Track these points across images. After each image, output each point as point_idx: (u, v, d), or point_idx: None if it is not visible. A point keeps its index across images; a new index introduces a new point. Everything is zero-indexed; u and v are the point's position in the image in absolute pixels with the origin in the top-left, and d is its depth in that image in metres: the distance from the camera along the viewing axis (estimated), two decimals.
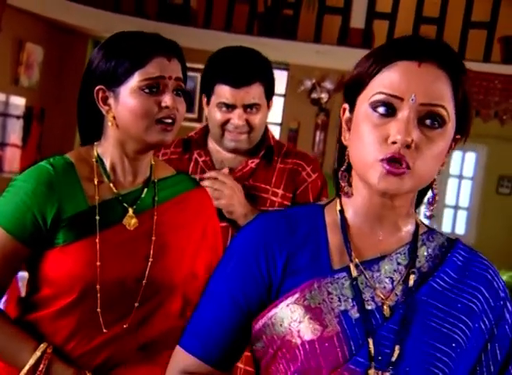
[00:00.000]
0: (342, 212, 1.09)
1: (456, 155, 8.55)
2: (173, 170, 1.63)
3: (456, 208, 8.58)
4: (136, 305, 1.46)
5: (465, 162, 8.53)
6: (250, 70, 1.97)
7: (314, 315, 1.01)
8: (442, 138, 1.00)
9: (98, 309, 1.42)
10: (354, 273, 1.04)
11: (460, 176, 8.57)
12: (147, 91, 1.42)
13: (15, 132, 5.28)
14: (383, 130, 0.99)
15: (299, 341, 1.01)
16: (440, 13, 5.38)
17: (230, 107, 1.97)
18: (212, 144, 2.08)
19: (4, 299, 1.52)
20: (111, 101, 1.45)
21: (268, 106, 2.05)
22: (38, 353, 1.40)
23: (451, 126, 1.01)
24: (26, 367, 1.39)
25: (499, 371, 1.06)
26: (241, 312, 1.06)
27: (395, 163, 0.97)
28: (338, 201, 1.10)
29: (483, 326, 1.05)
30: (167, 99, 1.43)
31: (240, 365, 1.98)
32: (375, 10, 5.50)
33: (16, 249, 1.40)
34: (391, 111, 0.99)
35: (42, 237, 1.41)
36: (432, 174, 1.02)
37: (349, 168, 1.07)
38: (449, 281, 1.06)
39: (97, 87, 1.45)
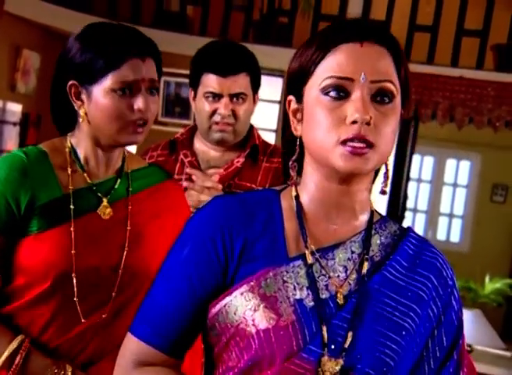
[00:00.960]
0: (297, 197, 1.09)
1: (451, 163, 8.60)
2: (145, 162, 1.66)
3: (450, 216, 8.62)
4: (114, 294, 1.47)
5: (459, 171, 8.58)
6: (237, 60, 2.02)
7: (270, 303, 1.02)
8: (394, 112, 1.03)
9: (75, 298, 1.42)
10: (310, 259, 1.05)
11: (455, 185, 8.62)
12: (120, 92, 1.43)
13: (11, 138, 5.29)
14: (339, 112, 1.01)
15: (253, 330, 1.01)
16: (434, 21, 5.43)
17: (217, 96, 2.00)
18: (198, 145, 2.11)
19: None
20: (83, 97, 1.46)
21: (254, 100, 2.09)
22: (15, 344, 1.40)
23: (398, 100, 1.04)
24: (2, 358, 1.38)
25: (444, 356, 1.08)
26: (196, 297, 1.05)
27: (358, 143, 0.99)
28: (294, 187, 1.11)
29: (431, 314, 1.08)
30: (139, 102, 1.44)
31: None
32: (370, 18, 5.54)
33: None
34: (343, 94, 1.01)
35: (16, 224, 1.41)
36: (390, 149, 1.04)
37: (298, 158, 1.08)
38: (400, 270, 1.08)
39: (71, 83, 1.45)
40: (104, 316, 1.47)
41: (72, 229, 1.43)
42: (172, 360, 1.07)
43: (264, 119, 5.44)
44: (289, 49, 5.34)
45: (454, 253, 7.97)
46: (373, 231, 1.10)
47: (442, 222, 8.58)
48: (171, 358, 1.07)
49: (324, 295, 1.04)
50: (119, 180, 1.53)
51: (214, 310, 1.05)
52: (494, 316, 5.98)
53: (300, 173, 1.11)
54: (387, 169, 1.07)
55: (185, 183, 2.01)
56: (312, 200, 1.08)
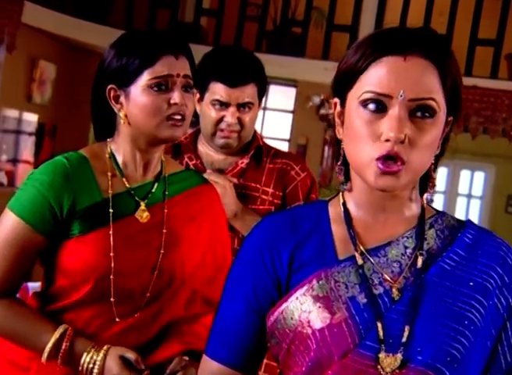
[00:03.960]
0: (344, 204, 1.10)
1: (465, 174, 8.56)
2: (182, 167, 1.70)
3: None
4: (148, 295, 1.50)
5: (474, 182, 8.54)
6: (246, 70, 2.02)
7: (323, 303, 1.02)
8: (434, 127, 1.01)
9: (112, 299, 1.47)
10: (360, 260, 1.04)
11: (469, 196, 8.58)
12: (156, 89, 1.48)
13: (27, 148, 5.35)
14: (375, 127, 1.00)
15: (310, 331, 1.02)
16: (447, 30, 5.43)
17: (224, 105, 2.01)
18: (202, 148, 2.13)
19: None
20: (122, 99, 1.51)
21: (259, 106, 2.10)
22: (61, 329, 1.44)
23: (442, 114, 1.02)
24: (49, 345, 1.42)
25: None
26: (256, 314, 1.07)
27: (390, 161, 0.98)
28: (341, 195, 1.11)
29: (499, 304, 1.05)
30: (175, 96, 1.48)
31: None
32: (383, 28, 5.54)
33: (34, 240, 1.45)
34: (381, 107, 1.00)
35: (59, 227, 1.45)
36: (426, 163, 1.03)
37: (346, 162, 1.08)
38: (459, 261, 1.06)
39: (109, 87, 1.51)
40: (136, 315, 1.50)
41: (110, 232, 1.47)
42: None
43: (278, 128, 5.47)
44: (303, 59, 5.37)
45: None
46: (428, 225, 1.08)
47: None
48: (244, 374, 1.10)
49: (377, 291, 1.03)
50: (156, 184, 1.57)
51: (272, 318, 1.06)
52: None
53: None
54: (431, 178, 1.07)
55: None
56: (358, 205, 1.09)
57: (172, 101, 1.48)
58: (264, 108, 5.53)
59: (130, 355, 1.44)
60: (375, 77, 1.00)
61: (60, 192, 1.45)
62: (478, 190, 8.54)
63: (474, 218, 8.48)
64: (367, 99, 1.00)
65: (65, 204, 1.45)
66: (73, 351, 1.44)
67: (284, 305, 1.05)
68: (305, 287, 1.04)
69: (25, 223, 1.44)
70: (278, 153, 2.16)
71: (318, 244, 1.07)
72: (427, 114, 1.00)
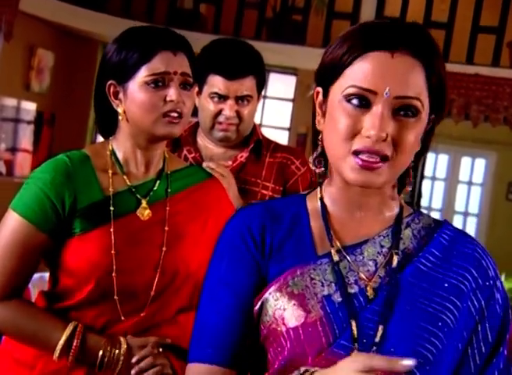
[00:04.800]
0: (322, 199, 1.08)
1: (466, 161, 8.53)
2: (186, 163, 1.68)
3: (465, 214, 8.55)
4: (152, 293, 1.49)
5: (475, 169, 8.51)
6: (244, 63, 1.99)
7: (298, 301, 1.00)
8: (417, 126, 1.00)
9: (115, 297, 1.46)
10: (336, 257, 1.03)
11: (470, 183, 8.55)
12: (152, 85, 1.47)
13: (25, 137, 5.32)
14: (357, 122, 0.98)
15: (284, 329, 1.00)
16: (449, 17, 5.39)
17: (222, 98, 1.99)
18: (201, 141, 2.10)
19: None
20: (121, 95, 1.50)
21: (258, 99, 2.08)
22: (71, 327, 1.44)
23: (425, 113, 1.01)
24: (61, 342, 1.42)
25: (490, 352, 1.04)
26: (243, 304, 1.04)
27: (369, 156, 0.97)
28: (319, 189, 1.10)
29: (472, 307, 1.04)
30: (172, 93, 1.47)
31: None
32: (384, 15, 5.51)
33: (37, 239, 1.45)
34: (365, 103, 0.98)
35: (61, 225, 1.45)
36: (407, 162, 1.02)
37: (324, 154, 1.06)
38: (435, 261, 1.05)
39: (109, 82, 1.50)
40: (142, 314, 1.49)
41: (112, 230, 1.46)
42: (234, 373, 1.04)
43: (278, 117, 5.44)
44: (303, 47, 5.33)
45: None
46: (404, 225, 1.07)
47: (457, 220, 8.51)
48: (233, 370, 1.04)
49: (353, 290, 1.02)
50: (158, 182, 1.55)
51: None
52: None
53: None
54: (410, 172, 1.06)
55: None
56: (335, 201, 1.07)
57: (168, 99, 1.47)
58: (264, 97, 5.49)
59: (151, 339, 1.46)
60: (361, 72, 0.98)
61: (62, 190, 1.45)
62: (478, 177, 8.51)
63: (475, 205, 8.47)
64: (351, 94, 0.98)
65: (67, 202, 1.45)
66: (85, 348, 1.44)
67: (260, 301, 1.03)
68: (279, 283, 1.02)
69: (28, 222, 1.44)
70: (278, 147, 2.14)
71: (296, 238, 1.05)
72: (410, 113, 0.98)
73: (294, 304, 1.00)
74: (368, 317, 1.00)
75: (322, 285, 1.02)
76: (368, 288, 1.03)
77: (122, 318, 1.49)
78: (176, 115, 1.48)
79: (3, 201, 5.28)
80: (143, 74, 1.47)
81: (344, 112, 0.99)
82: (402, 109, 0.98)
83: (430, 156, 7.06)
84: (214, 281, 1.07)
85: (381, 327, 0.99)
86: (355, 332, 0.99)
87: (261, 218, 1.07)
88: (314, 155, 1.07)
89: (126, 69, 1.48)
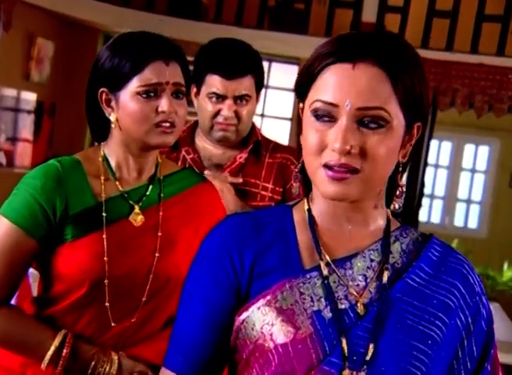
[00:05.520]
0: (310, 210, 1.07)
1: (469, 148, 8.48)
2: (179, 167, 1.67)
3: (468, 202, 8.52)
4: (144, 299, 1.49)
5: (478, 156, 8.47)
6: (243, 62, 1.98)
7: (287, 317, 0.99)
8: (388, 137, 0.98)
9: (107, 303, 1.46)
10: (325, 271, 1.02)
11: (473, 170, 8.51)
12: (144, 95, 1.46)
13: (26, 127, 5.29)
14: (324, 137, 0.98)
15: (272, 345, 0.98)
16: (453, 6, 5.32)
17: (220, 97, 1.97)
18: (200, 142, 2.09)
19: (16, 297, 1.55)
20: (113, 104, 1.49)
21: (257, 99, 2.06)
22: (60, 337, 1.43)
23: (397, 122, 0.99)
24: (50, 352, 1.41)
25: (475, 367, 1.05)
26: (217, 320, 1.03)
27: (338, 169, 0.96)
28: (305, 200, 1.08)
29: (459, 323, 1.04)
30: (164, 104, 1.46)
31: None
32: (387, 3, 5.44)
33: (27, 244, 1.44)
34: (331, 117, 0.97)
35: (52, 232, 1.44)
36: (383, 174, 1.00)
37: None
38: (424, 277, 1.04)
39: (101, 90, 1.49)
40: (133, 320, 1.49)
41: (104, 236, 1.45)
42: None
43: (280, 107, 5.40)
44: (305, 36, 5.27)
45: (472, 240, 7.90)
46: (393, 238, 1.07)
47: (460, 208, 8.49)
48: None
49: (343, 305, 1.01)
50: (150, 187, 1.55)
51: (234, 328, 1.03)
52: None
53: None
54: (400, 189, 1.05)
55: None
56: (323, 212, 1.06)
57: (160, 109, 1.47)
58: (266, 87, 5.44)
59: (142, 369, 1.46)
60: (324, 86, 0.98)
61: (52, 196, 1.44)
62: (482, 164, 8.47)
63: (478, 193, 8.44)
64: (316, 109, 0.98)
65: (58, 208, 1.44)
66: (75, 357, 1.44)
67: (245, 315, 1.01)
68: (268, 297, 1.00)
69: (18, 228, 1.43)
70: (277, 147, 2.12)
71: (282, 251, 1.03)
72: (374, 125, 0.97)
73: (283, 319, 0.99)
74: (358, 334, 0.99)
75: (312, 300, 1.01)
76: (359, 304, 1.01)
77: (113, 324, 1.48)
78: (168, 125, 1.48)
79: (3, 192, 5.26)
80: (134, 85, 1.46)
81: (313, 127, 0.99)
82: (369, 121, 0.97)
83: (433, 143, 7.00)
84: (191, 292, 1.06)
85: (371, 345, 0.98)
86: (345, 349, 0.98)
87: (243, 230, 1.05)
88: (296, 170, 1.07)
89: (117, 78, 1.46)
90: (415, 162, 5.62)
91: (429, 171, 7.69)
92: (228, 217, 1.10)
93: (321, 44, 1.03)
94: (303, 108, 1.04)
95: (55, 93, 5.51)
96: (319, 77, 0.99)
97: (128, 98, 1.46)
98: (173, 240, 1.52)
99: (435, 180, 8.48)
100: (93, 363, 1.43)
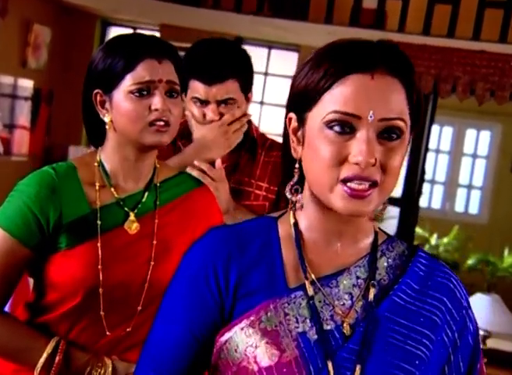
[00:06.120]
0: (296, 225, 1.03)
1: (471, 133, 8.44)
2: (176, 171, 1.63)
3: (469, 187, 8.50)
4: (139, 308, 1.48)
5: (479, 141, 8.43)
6: (223, 67, 1.94)
7: (271, 339, 0.96)
8: (401, 147, 0.97)
9: (101, 312, 1.44)
10: (310, 291, 0.99)
11: (474, 155, 8.48)
12: (137, 94, 1.44)
13: (23, 114, 5.24)
14: (342, 149, 0.94)
15: (256, 368, 0.96)
16: None
17: (204, 102, 1.95)
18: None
19: (11, 303, 1.55)
20: (107, 105, 1.48)
21: (247, 99, 2.01)
22: (53, 344, 1.42)
23: (408, 133, 0.98)
24: (42, 360, 1.41)
25: None
26: (196, 340, 1.01)
27: (359, 183, 0.93)
28: (292, 213, 1.05)
29: (446, 339, 1.02)
30: (156, 102, 1.44)
31: None
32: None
33: (20, 253, 1.43)
34: (348, 128, 0.94)
35: (45, 240, 1.43)
36: (395, 185, 0.98)
37: (299, 180, 1.02)
38: (411, 294, 1.02)
39: (95, 91, 1.48)
40: (128, 329, 1.48)
41: (98, 245, 1.43)
42: None
43: (279, 94, 5.34)
44: (305, 23, 5.20)
45: (472, 225, 7.89)
46: (379, 253, 1.05)
47: (461, 193, 8.47)
48: None
49: (329, 326, 0.98)
50: (146, 194, 1.52)
51: (215, 348, 1.00)
52: None
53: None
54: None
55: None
56: (311, 227, 1.03)
57: (152, 107, 1.45)
58: (266, 74, 5.39)
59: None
60: (341, 97, 0.94)
61: (46, 204, 1.42)
62: (483, 149, 8.43)
63: (479, 178, 8.41)
64: (333, 120, 0.94)
65: (52, 216, 1.42)
66: (69, 364, 1.43)
67: (227, 335, 0.98)
68: (252, 318, 0.98)
69: (11, 236, 1.42)
70: (274, 145, 2.08)
71: (266, 269, 1.01)
72: (394, 135, 0.95)
73: (267, 342, 0.96)
74: (344, 357, 0.97)
75: (297, 321, 0.98)
76: (345, 325, 0.99)
77: (108, 333, 1.47)
78: (162, 123, 1.46)
79: (1, 180, 5.23)
80: (127, 83, 1.44)
81: (326, 140, 0.95)
82: (386, 132, 0.95)
83: (434, 128, 6.95)
84: (170, 307, 1.04)
85: (358, 367, 0.96)
86: (332, 373, 0.95)
87: (227, 247, 1.01)
88: (291, 183, 1.03)
89: (110, 77, 1.45)
90: (416, 147, 5.57)
91: (430, 156, 7.65)
92: (211, 231, 1.06)
93: (319, 52, 0.99)
94: (303, 121, 0.99)
95: (53, 80, 5.46)
96: (333, 88, 0.95)
97: (121, 97, 1.45)
98: (169, 247, 1.50)
99: (436, 166, 8.45)
100: (88, 369, 1.42)
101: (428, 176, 7.60)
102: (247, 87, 2.00)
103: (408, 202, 5.49)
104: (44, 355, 1.40)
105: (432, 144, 7.72)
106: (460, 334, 1.04)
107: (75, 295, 1.43)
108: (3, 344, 1.44)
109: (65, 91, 5.45)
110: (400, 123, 0.95)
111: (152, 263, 1.47)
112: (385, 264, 1.05)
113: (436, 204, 8.41)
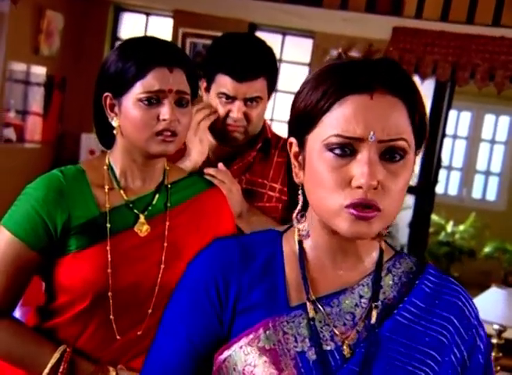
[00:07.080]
0: (300, 242, 1.02)
1: (489, 118, 8.31)
2: (185, 172, 1.62)
3: (487, 173, 8.39)
4: (150, 311, 1.47)
5: (498, 126, 8.30)
6: (255, 64, 1.90)
7: (270, 357, 0.95)
8: (406, 169, 0.94)
9: (111, 316, 1.44)
10: (311, 312, 0.97)
11: (493, 141, 8.36)
12: (146, 102, 1.43)
13: (36, 101, 5.22)
14: (344, 173, 0.92)
15: None
16: None
17: (230, 98, 1.90)
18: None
19: (26, 307, 1.57)
20: (116, 109, 1.47)
21: (269, 98, 1.99)
22: (58, 354, 1.42)
23: (412, 153, 0.95)
24: (46, 370, 1.41)
25: None
26: (197, 352, 1.00)
27: (363, 208, 0.91)
28: (296, 229, 1.03)
29: (454, 359, 0.99)
30: (165, 112, 1.43)
31: None
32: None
33: (28, 256, 1.43)
34: (349, 151, 0.92)
35: (53, 244, 1.43)
36: (399, 208, 0.95)
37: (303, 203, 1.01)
38: (416, 312, 0.99)
39: (105, 94, 1.46)
40: (139, 333, 1.47)
41: (108, 248, 1.42)
42: None
43: (293, 81, 5.27)
44: (320, 9, 5.11)
45: (490, 212, 7.80)
46: (385, 271, 1.03)
47: (478, 180, 8.37)
48: None
49: (329, 347, 0.97)
50: (157, 195, 1.51)
51: (215, 366, 0.99)
52: None
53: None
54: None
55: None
56: (316, 246, 1.01)
57: (161, 117, 1.44)
58: (280, 61, 5.31)
59: None
60: (341, 119, 0.92)
61: (54, 208, 1.42)
62: (502, 135, 8.31)
63: (497, 164, 8.30)
64: (333, 143, 0.93)
65: (59, 220, 1.42)
66: (73, 373, 1.42)
67: (226, 353, 0.98)
68: (251, 336, 0.96)
69: (19, 240, 1.42)
70: (286, 145, 2.03)
71: (268, 285, 1.00)
72: (397, 156, 0.93)
73: (265, 361, 0.95)
74: None
75: (296, 340, 0.96)
76: (345, 346, 0.97)
77: (118, 337, 1.46)
78: (169, 134, 1.44)
79: (15, 167, 5.23)
80: (137, 91, 1.42)
81: (326, 163, 0.93)
82: (388, 153, 0.92)
83: (452, 114, 6.84)
84: (173, 318, 1.03)
85: None
86: None
87: (230, 260, 1.00)
88: (297, 210, 1.01)
89: (121, 82, 1.44)
90: (433, 133, 5.49)
91: (447, 142, 7.55)
92: (215, 242, 1.05)
93: (313, 77, 0.97)
94: (303, 145, 0.98)
95: (66, 67, 5.42)
96: (332, 110, 0.93)
97: (130, 104, 1.43)
98: (179, 250, 1.48)
99: (453, 152, 8.35)
100: None
101: (444, 162, 7.51)
102: (273, 87, 1.98)
103: (424, 190, 5.42)
104: (51, 362, 1.41)
105: (450, 130, 7.62)
106: (470, 354, 1.01)
107: (84, 298, 1.43)
108: (10, 349, 1.44)
109: (77, 78, 5.42)
110: (402, 144, 0.93)
111: (162, 266, 1.46)
112: (391, 282, 1.02)
113: (453, 190, 8.32)
